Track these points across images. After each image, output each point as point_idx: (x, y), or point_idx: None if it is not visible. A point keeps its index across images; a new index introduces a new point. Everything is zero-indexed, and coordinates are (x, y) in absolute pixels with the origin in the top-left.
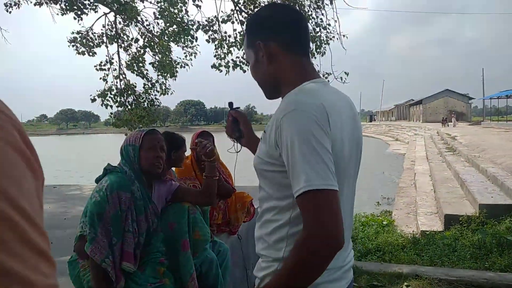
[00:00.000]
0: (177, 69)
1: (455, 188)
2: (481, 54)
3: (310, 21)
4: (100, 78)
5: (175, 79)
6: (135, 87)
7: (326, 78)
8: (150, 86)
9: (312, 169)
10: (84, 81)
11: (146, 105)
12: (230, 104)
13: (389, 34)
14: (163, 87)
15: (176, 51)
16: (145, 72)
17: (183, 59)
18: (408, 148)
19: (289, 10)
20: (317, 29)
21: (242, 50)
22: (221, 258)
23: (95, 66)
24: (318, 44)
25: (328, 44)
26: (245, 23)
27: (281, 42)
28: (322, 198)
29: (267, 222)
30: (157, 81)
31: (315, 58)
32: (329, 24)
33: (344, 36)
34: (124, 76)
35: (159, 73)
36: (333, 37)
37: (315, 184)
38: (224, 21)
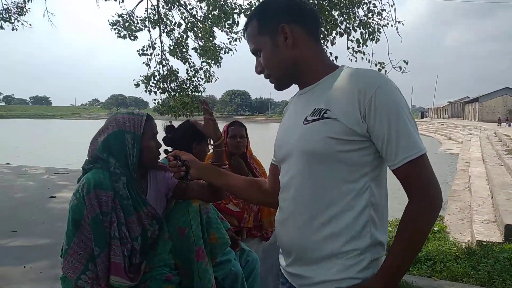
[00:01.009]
0: (221, 54)
1: None
2: None
3: (362, 6)
4: (143, 63)
5: (219, 66)
6: (178, 72)
7: (383, 67)
8: (194, 72)
9: (417, 134)
10: (134, 67)
11: (189, 91)
12: (167, 150)
13: (444, 26)
14: (207, 74)
15: (220, 37)
16: (188, 57)
17: (227, 44)
18: (462, 148)
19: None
20: (369, 15)
21: None
22: (249, 269)
23: (137, 51)
24: (370, 30)
25: (380, 32)
26: (257, 9)
27: (305, 27)
28: (428, 160)
29: (339, 214)
30: (201, 68)
31: (366, 46)
32: (383, 10)
33: (399, 22)
34: (167, 61)
35: (203, 59)
36: (387, 23)
37: (423, 148)
38: None
